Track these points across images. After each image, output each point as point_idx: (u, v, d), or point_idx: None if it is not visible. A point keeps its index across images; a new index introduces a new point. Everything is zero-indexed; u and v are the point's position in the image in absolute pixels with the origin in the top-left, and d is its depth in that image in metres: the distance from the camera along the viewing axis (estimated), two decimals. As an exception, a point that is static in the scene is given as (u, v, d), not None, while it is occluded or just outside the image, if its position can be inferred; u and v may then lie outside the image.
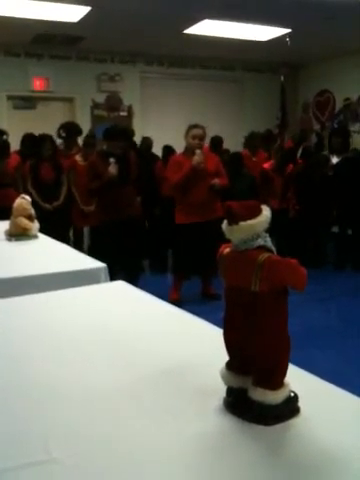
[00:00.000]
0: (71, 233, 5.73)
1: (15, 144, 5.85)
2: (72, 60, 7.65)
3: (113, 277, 1.98)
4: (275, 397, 0.78)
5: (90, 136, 6.06)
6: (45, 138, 5.32)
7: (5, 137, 5.59)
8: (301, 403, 0.81)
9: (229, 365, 0.83)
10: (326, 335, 3.92)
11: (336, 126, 8.53)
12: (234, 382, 0.82)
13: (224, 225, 0.79)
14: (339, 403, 0.84)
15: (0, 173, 5.09)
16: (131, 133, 6.42)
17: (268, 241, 0.79)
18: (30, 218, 2.52)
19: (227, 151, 6.32)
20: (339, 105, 8.69)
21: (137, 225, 4.66)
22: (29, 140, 5.73)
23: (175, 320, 1.28)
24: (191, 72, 8.41)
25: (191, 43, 7.09)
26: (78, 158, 5.51)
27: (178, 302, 3.79)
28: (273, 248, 0.79)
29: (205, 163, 4.35)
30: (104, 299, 1.50)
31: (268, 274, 0.74)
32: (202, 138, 4.46)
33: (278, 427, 0.77)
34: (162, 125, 7.80)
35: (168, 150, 6.05)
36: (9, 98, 7.40)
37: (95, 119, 7.80)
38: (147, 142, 6.36)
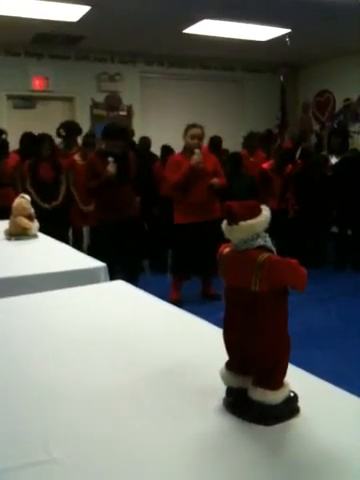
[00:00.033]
0: (70, 233, 5.73)
1: (15, 143, 5.85)
2: (72, 60, 7.66)
3: (112, 277, 1.98)
4: (275, 397, 0.78)
5: (90, 135, 6.05)
6: (44, 137, 5.32)
7: (4, 136, 5.58)
8: (301, 403, 0.81)
9: (229, 365, 0.83)
10: (326, 335, 3.92)
11: (336, 126, 8.53)
12: (234, 382, 0.82)
13: (224, 225, 0.79)
14: (339, 403, 0.84)
15: (-1, 172, 5.10)
16: (131, 133, 6.43)
17: (268, 241, 0.79)
18: (30, 217, 2.52)
19: (226, 151, 6.32)
20: (339, 105, 8.69)
21: (136, 225, 4.66)
22: (28, 139, 5.72)
23: (175, 320, 1.28)
24: (191, 72, 8.41)
25: (191, 43, 7.09)
26: (77, 158, 5.50)
27: (178, 302, 3.79)
28: (273, 248, 0.79)
29: (204, 163, 4.34)
30: (104, 299, 1.50)
31: (268, 274, 0.74)
32: (201, 138, 4.46)
33: (278, 427, 0.77)
34: (162, 125, 7.81)
35: (166, 150, 6.04)
36: (9, 97, 7.40)
37: (95, 119, 7.80)
38: (145, 142, 6.36)
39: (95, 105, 7.92)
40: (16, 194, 2.84)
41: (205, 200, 4.35)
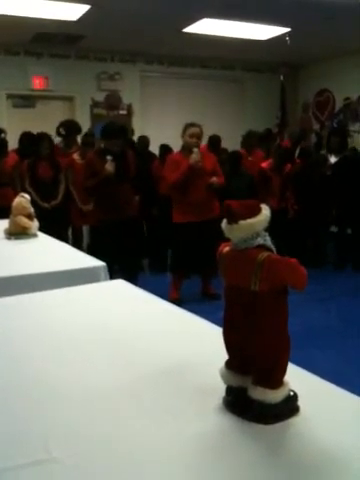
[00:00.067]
0: (70, 232, 5.73)
1: (14, 143, 5.84)
2: (71, 59, 7.65)
3: (112, 276, 1.98)
4: (275, 396, 0.78)
5: (89, 135, 6.05)
6: (43, 137, 5.31)
7: (3, 135, 5.58)
8: (301, 403, 0.81)
9: (229, 364, 0.83)
10: (326, 335, 3.92)
11: (336, 126, 8.53)
12: (234, 381, 0.82)
13: (224, 224, 0.79)
14: (339, 403, 0.84)
15: (-2, 172, 5.10)
16: (131, 132, 6.42)
17: (268, 240, 0.79)
18: (29, 217, 2.52)
19: (225, 150, 6.31)
20: (339, 105, 8.69)
21: (135, 224, 4.66)
22: (27, 139, 5.72)
23: (175, 319, 1.28)
24: (191, 71, 8.41)
25: (191, 42, 7.09)
26: (76, 157, 5.50)
27: (178, 301, 3.79)
28: (273, 247, 0.79)
29: (203, 162, 4.34)
30: (104, 298, 1.49)
31: (268, 273, 0.74)
32: (199, 137, 4.46)
33: (278, 426, 0.77)
34: (162, 124, 7.81)
35: (165, 149, 6.04)
36: (9, 97, 7.40)
37: (95, 118, 7.80)
38: (144, 141, 6.35)
39: (95, 104, 7.92)
40: (15, 194, 2.84)
41: (204, 199, 4.35)
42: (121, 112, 8.08)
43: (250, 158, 6.28)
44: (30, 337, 1.17)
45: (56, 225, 4.29)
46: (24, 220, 2.47)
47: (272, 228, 0.81)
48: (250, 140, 6.53)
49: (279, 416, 0.78)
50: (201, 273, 4.72)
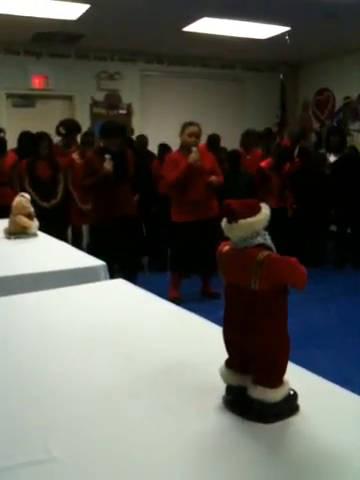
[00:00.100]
0: (70, 231, 5.73)
1: (14, 142, 5.84)
2: (71, 58, 7.65)
3: (112, 276, 1.98)
4: (275, 395, 0.78)
5: (88, 134, 6.05)
6: (42, 136, 5.30)
7: (2, 134, 5.57)
8: (301, 402, 0.81)
9: (229, 363, 0.83)
10: (326, 334, 3.92)
11: (336, 125, 8.53)
12: (234, 380, 0.82)
13: (223, 223, 0.79)
14: (339, 402, 0.84)
15: (-3, 171, 5.09)
16: (131, 131, 6.42)
17: (267, 239, 0.79)
18: (29, 216, 2.52)
19: (224, 149, 6.31)
20: (339, 104, 8.69)
21: (134, 224, 4.65)
22: (26, 138, 5.71)
23: (175, 318, 1.28)
24: (191, 70, 8.41)
25: (191, 41, 7.09)
26: (75, 156, 5.49)
27: (178, 300, 3.79)
28: (272, 246, 0.79)
29: (201, 161, 4.34)
30: (104, 297, 1.49)
31: (268, 272, 0.74)
32: (198, 135, 4.45)
33: (278, 425, 0.77)
34: (162, 124, 7.80)
35: (164, 148, 6.03)
36: (8, 96, 7.39)
37: (94, 117, 7.79)
38: (142, 140, 6.35)
39: (95, 104, 7.92)
40: (13, 193, 2.83)
41: (203, 198, 4.35)
42: (121, 111, 8.07)
43: (248, 157, 6.28)
44: (30, 336, 1.17)
45: (56, 225, 4.28)
46: (24, 220, 2.47)
47: (271, 227, 0.81)
48: (248, 139, 6.53)
49: (279, 415, 0.78)
50: (201, 272, 4.72)
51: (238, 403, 0.80)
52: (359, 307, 4.54)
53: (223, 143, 6.55)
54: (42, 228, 2.61)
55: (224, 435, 0.75)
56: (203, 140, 5.15)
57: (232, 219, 0.77)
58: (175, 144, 5.48)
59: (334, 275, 5.58)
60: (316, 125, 9.06)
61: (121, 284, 1.62)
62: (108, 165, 4.24)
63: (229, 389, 0.83)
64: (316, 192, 5.73)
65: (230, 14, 6.08)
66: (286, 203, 5.81)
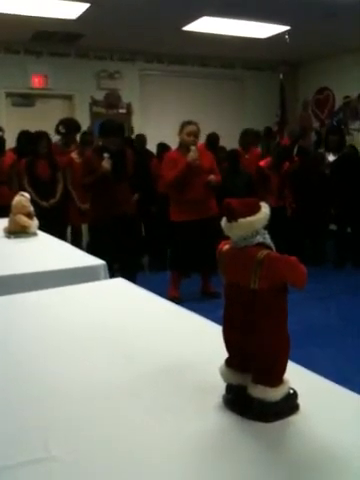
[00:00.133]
0: (69, 231, 5.73)
1: (13, 141, 5.83)
2: (71, 57, 7.64)
3: (112, 275, 1.98)
4: (275, 394, 0.77)
5: (88, 133, 6.04)
6: (41, 135, 5.30)
7: (1, 134, 5.57)
8: (301, 401, 0.81)
9: (228, 362, 0.83)
10: (326, 333, 3.92)
11: (335, 124, 8.53)
12: (234, 379, 0.82)
13: (223, 222, 0.79)
14: (339, 401, 0.84)
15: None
16: (130, 130, 6.41)
17: (267, 238, 0.79)
18: (29, 215, 2.52)
19: (223, 148, 6.31)
20: (339, 103, 8.69)
21: (133, 223, 4.65)
22: (25, 137, 5.71)
23: (174, 318, 1.28)
24: (191, 70, 8.40)
25: (191, 41, 7.08)
26: (74, 155, 5.49)
27: (177, 300, 3.79)
28: (272, 245, 0.79)
29: (200, 160, 4.34)
30: (103, 296, 1.49)
31: (268, 271, 0.74)
32: (196, 134, 4.46)
33: (278, 424, 0.77)
34: (161, 123, 7.79)
35: (163, 147, 6.03)
36: (8, 95, 7.39)
37: (94, 116, 7.79)
38: (141, 139, 6.35)
39: (94, 103, 7.91)
40: (12, 193, 2.83)
41: (202, 197, 4.35)
42: (121, 111, 8.07)
43: (247, 156, 6.28)
44: (30, 336, 1.17)
45: (55, 224, 4.28)
46: (24, 219, 2.47)
47: (270, 226, 0.81)
48: (247, 138, 6.53)
49: (279, 414, 0.78)
50: (201, 271, 4.72)
51: (238, 402, 0.80)
52: (359, 306, 4.54)
53: (223, 142, 6.54)
54: (42, 227, 2.61)
55: (224, 434, 0.75)
56: (202, 139, 5.15)
57: (232, 218, 0.77)
58: (175, 143, 5.48)
59: (334, 274, 5.58)
60: (316, 124, 9.06)
61: (121, 283, 1.62)
62: (106, 164, 4.23)
63: (229, 388, 0.83)
64: (315, 191, 5.73)
65: (230, 13, 6.08)
66: (285, 202, 5.82)
